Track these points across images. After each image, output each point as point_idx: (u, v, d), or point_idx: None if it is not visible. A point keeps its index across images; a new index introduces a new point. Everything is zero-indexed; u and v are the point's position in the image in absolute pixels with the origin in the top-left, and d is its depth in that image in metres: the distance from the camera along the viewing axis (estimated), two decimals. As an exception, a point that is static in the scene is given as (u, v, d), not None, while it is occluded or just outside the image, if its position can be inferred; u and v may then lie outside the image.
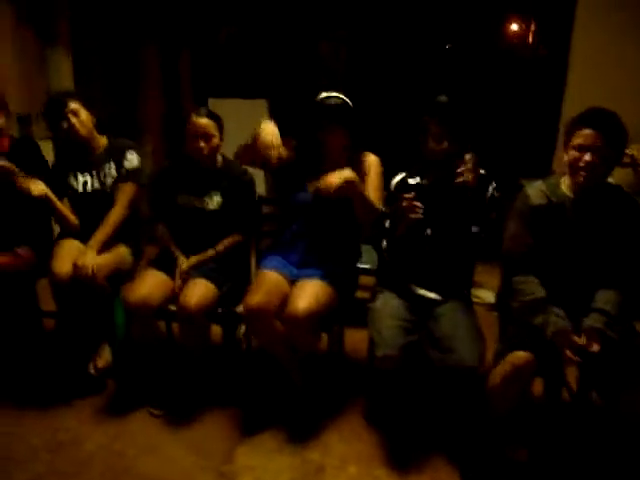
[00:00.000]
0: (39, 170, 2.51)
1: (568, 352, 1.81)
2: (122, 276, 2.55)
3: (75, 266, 2.34)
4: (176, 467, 2.09)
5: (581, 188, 1.93)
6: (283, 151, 2.24)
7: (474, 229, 2.13)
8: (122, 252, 2.56)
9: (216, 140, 2.42)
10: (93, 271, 2.32)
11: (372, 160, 2.35)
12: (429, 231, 2.17)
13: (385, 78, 5.98)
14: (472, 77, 5.78)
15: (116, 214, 2.50)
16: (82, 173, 2.57)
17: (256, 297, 2.16)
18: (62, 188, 2.56)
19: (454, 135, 2.10)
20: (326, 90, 2.31)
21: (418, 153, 2.19)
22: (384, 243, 2.23)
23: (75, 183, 2.57)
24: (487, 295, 3.28)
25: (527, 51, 6.26)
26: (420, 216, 2.04)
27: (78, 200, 2.58)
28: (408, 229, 2.11)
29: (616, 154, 1.89)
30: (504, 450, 2.09)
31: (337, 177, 2.04)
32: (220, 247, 2.45)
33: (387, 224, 2.20)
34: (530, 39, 6.36)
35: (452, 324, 2.07)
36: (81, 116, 2.49)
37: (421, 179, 2.21)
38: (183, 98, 6.11)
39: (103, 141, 2.61)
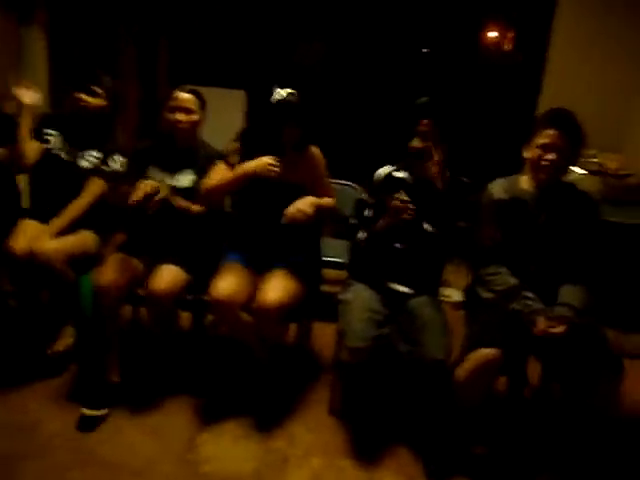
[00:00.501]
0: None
1: (535, 328, 1.87)
2: (89, 260, 2.50)
3: (31, 251, 2.30)
4: (138, 454, 2.06)
5: (542, 184, 2.02)
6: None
7: (426, 226, 2.17)
8: (86, 236, 2.51)
9: (195, 116, 2.40)
10: (48, 258, 2.29)
11: (317, 153, 2.37)
12: (398, 245, 2.21)
13: (362, 76, 6.01)
14: (449, 82, 5.84)
15: (81, 205, 2.49)
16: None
17: (222, 287, 2.14)
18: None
19: (439, 133, 2.13)
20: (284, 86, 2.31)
21: (404, 149, 2.20)
22: (361, 234, 2.24)
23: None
24: (454, 294, 3.32)
25: (504, 57, 6.35)
26: (410, 217, 2.06)
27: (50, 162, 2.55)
28: (391, 227, 2.13)
29: (574, 154, 2.00)
30: (467, 444, 2.12)
31: (308, 205, 2.15)
32: (183, 201, 2.38)
33: (367, 212, 2.22)
34: (507, 45, 6.45)
35: (422, 318, 2.10)
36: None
37: (408, 174, 2.22)
38: (159, 84, 6.04)
39: None
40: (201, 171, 2.42)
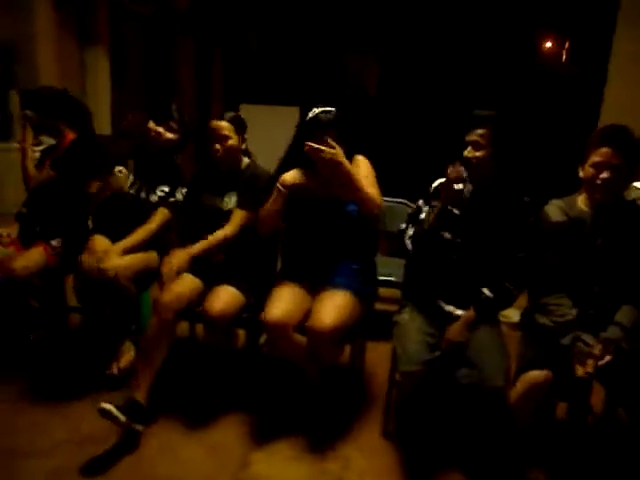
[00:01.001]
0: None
1: (578, 367, 1.83)
2: (151, 276, 2.59)
3: (98, 268, 2.40)
4: (194, 470, 2.10)
5: (598, 204, 1.96)
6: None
7: (521, 255, 2.10)
8: (149, 255, 2.61)
9: (231, 141, 2.45)
10: (116, 273, 2.38)
11: (361, 160, 2.36)
12: (459, 240, 2.14)
13: (416, 92, 5.98)
14: (507, 94, 5.75)
15: (147, 230, 2.59)
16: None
17: (275, 311, 2.16)
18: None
19: (496, 146, 2.07)
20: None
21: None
22: (410, 230, 2.20)
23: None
24: (513, 314, 3.23)
25: (561, 68, 6.22)
26: (461, 187, 2.01)
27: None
28: (438, 221, 2.08)
29: (632, 171, 1.93)
30: (523, 470, 2.06)
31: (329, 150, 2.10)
32: (209, 242, 2.43)
33: (421, 216, 2.19)
34: (564, 57, 6.32)
35: (479, 342, 2.05)
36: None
37: (463, 186, 2.14)
38: (214, 103, 6.19)
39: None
40: (242, 191, 2.47)
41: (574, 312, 1.93)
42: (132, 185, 2.65)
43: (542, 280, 2.03)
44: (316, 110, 2.31)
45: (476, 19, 5.72)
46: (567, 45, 6.33)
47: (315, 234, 2.36)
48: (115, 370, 2.54)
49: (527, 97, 5.84)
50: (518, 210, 2.13)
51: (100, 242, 2.56)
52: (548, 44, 6.41)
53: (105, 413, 2.09)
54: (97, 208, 2.72)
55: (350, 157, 2.33)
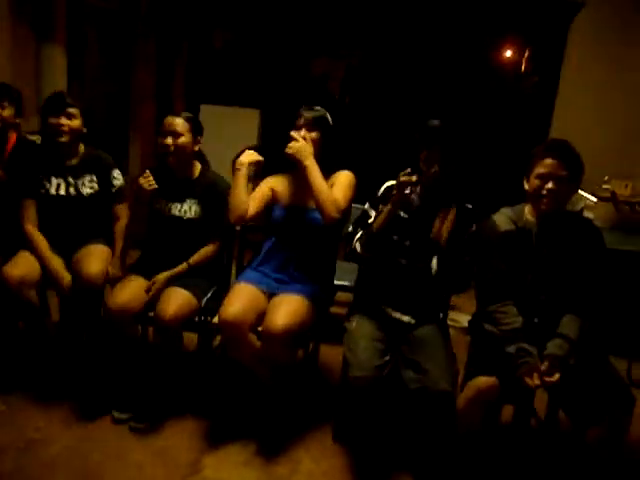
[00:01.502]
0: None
1: (527, 379, 1.88)
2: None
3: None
4: (142, 475, 2.08)
5: (543, 215, 2.02)
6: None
7: (467, 259, 2.15)
8: (102, 250, 2.56)
9: (184, 139, 2.39)
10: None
11: (344, 173, 2.38)
12: (407, 242, 2.18)
13: (381, 96, 6.03)
14: (463, 101, 5.84)
15: (123, 229, 2.58)
16: (56, 177, 2.54)
17: (231, 309, 2.15)
18: (33, 187, 2.54)
19: (445, 159, 2.11)
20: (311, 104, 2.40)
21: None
22: (358, 234, 2.20)
23: (48, 185, 2.54)
24: (463, 319, 3.31)
25: (519, 78, 6.34)
26: (413, 179, 2.01)
27: (49, 202, 2.54)
28: (387, 225, 2.09)
29: (575, 182, 2.00)
30: (469, 472, 2.10)
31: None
32: (194, 261, 2.43)
33: (369, 220, 2.20)
34: (523, 66, 6.45)
35: (426, 348, 2.09)
36: (73, 122, 2.49)
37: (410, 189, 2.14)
38: (175, 102, 6.12)
39: (81, 150, 2.60)
40: (204, 201, 2.45)
41: (520, 320, 1.97)
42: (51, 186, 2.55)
43: (488, 288, 2.07)
44: (306, 107, 2.37)
45: (441, 27, 5.81)
46: (527, 54, 6.47)
47: (280, 240, 2.39)
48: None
49: (483, 105, 5.96)
50: (461, 216, 2.17)
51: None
52: (508, 53, 6.53)
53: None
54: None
55: (333, 170, 2.37)
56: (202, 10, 5.94)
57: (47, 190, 2.53)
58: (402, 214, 2.15)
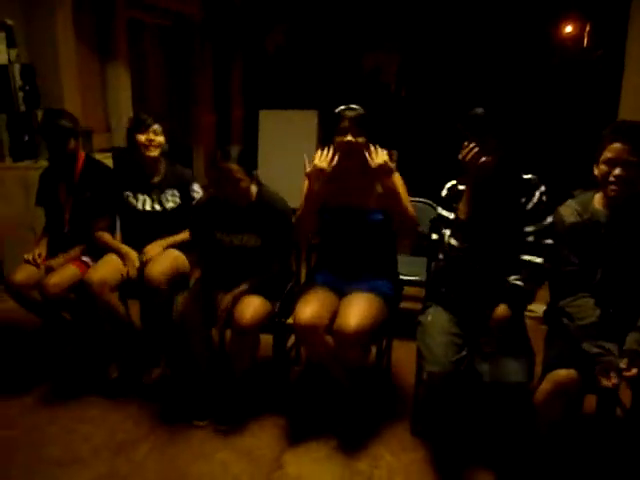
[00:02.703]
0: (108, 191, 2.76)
1: (604, 379, 1.82)
2: (183, 280, 2.68)
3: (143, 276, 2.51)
4: (228, 473, 2.16)
5: (613, 202, 1.93)
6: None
7: (529, 229, 2.06)
8: (179, 257, 2.68)
9: (244, 184, 2.36)
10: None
11: (396, 176, 2.36)
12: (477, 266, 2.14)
13: (437, 88, 5.94)
14: (525, 83, 5.68)
15: (183, 237, 2.72)
16: (142, 193, 2.73)
17: (307, 312, 2.20)
18: (119, 204, 2.74)
19: (492, 147, 2.04)
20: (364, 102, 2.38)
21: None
22: (447, 232, 2.15)
23: (134, 201, 2.73)
24: (538, 308, 3.22)
25: (582, 53, 6.11)
26: (484, 159, 2.00)
27: (136, 217, 2.73)
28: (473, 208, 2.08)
29: None
30: (550, 466, 2.06)
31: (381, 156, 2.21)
32: (254, 281, 2.42)
33: (451, 216, 2.16)
34: (585, 40, 6.21)
35: (503, 339, 2.06)
36: (157, 138, 2.65)
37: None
38: (234, 110, 6.26)
39: (162, 166, 2.76)
40: (264, 229, 2.44)
41: (596, 313, 1.91)
42: (137, 202, 2.73)
43: (560, 282, 2.01)
44: (341, 107, 2.34)
45: (493, 11, 5.67)
46: (588, 28, 6.22)
47: (341, 241, 2.41)
48: (147, 380, 2.64)
49: (547, 86, 5.76)
50: (522, 189, 2.08)
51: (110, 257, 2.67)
52: (568, 28, 6.31)
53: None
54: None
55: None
56: (254, 16, 6.04)
57: (134, 206, 2.72)
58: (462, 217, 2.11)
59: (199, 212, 2.58)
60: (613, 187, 1.88)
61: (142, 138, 2.63)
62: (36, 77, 3.95)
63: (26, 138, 3.86)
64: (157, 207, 2.72)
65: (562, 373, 1.87)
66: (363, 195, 2.36)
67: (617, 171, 1.86)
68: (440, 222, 2.21)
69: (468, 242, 2.11)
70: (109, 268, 2.59)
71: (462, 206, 2.09)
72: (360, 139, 2.28)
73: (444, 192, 2.24)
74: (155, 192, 2.73)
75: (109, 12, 4.65)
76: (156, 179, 2.74)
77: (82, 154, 2.83)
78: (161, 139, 2.68)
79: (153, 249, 2.62)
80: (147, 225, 2.73)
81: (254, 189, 2.48)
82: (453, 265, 2.20)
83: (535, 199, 2.06)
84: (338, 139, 2.30)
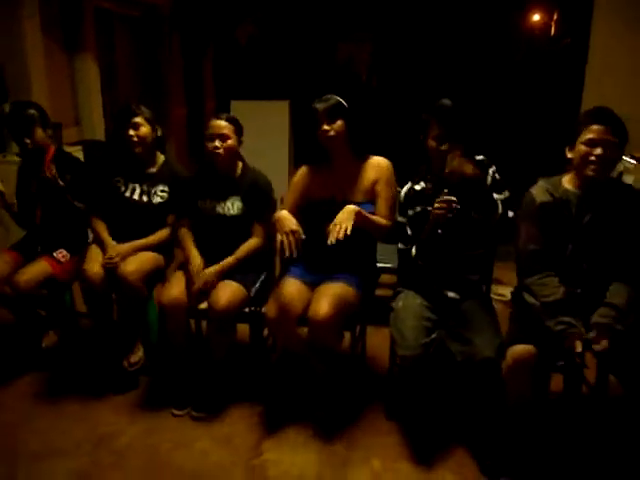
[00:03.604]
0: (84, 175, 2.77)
1: (577, 343, 1.88)
2: (155, 278, 2.68)
3: (117, 273, 2.50)
4: (208, 461, 2.20)
5: (589, 182, 2.01)
6: (298, 233, 2.28)
7: (474, 215, 2.17)
8: (156, 257, 2.68)
9: (231, 142, 2.49)
10: (126, 274, 2.48)
11: (382, 165, 2.42)
12: (439, 231, 2.21)
13: (408, 77, 5.99)
14: (493, 71, 5.76)
15: (161, 237, 2.70)
16: (132, 182, 2.71)
17: (277, 304, 2.25)
18: (108, 190, 2.72)
19: (455, 137, 2.14)
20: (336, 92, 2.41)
21: (422, 153, 2.26)
22: (413, 250, 2.26)
23: (123, 188, 2.71)
24: (506, 292, 3.32)
25: (550, 42, 6.20)
26: (457, 207, 2.07)
27: (122, 204, 2.71)
28: (432, 230, 2.17)
29: (620, 150, 1.98)
30: (522, 440, 2.13)
31: (345, 218, 2.16)
32: (240, 254, 2.51)
33: (409, 231, 2.28)
34: (553, 29, 6.30)
35: (471, 321, 2.15)
36: (141, 131, 2.63)
37: (425, 184, 2.27)
38: (207, 100, 6.22)
39: (160, 159, 2.76)
40: (247, 198, 2.53)
41: (561, 291, 1.98)
42: (126, 189, 2.71)
43: (527, 260, 2.09)
44: (321, 98, 2.38)
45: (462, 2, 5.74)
46: (555, 17, 6.31)
47: (323, 234, 2.43)
48: (126, 364, 2.63)
49: (514, 75, 5.86)
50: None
51: (97, 251, 2.65)
52: (536, 17, 6.38)
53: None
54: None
55: (364, 156, 2.42)
56: (224, 7, 6.00)
57: (122, 193, 2.70)
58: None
59: (185, 184, 2.64)
60: (593, 167, 1.95)
61: (124, 134, 2.63)
62: (3, 71, 3.89)
63: (-6, 132, 3.81)
64: (144, 198, 2.69)
65: (520, 348, 1.94)
66: (348, 187, 2.41)
67: (598, 150, 1.93)
68: (402, 233, 2.32)
69: (425, 261, 2.26)
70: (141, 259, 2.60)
71: (427, 229, 2.19)
72: (336, 125, 2.33)
73: (401, 196, 2.33)
74: (147, 183, 2.71)
75: (76, 2, 4.58)
76: (151, 170, 2.73)
77: (52, 147, 2.79)
78: (144, 131, 2.64)
79: (122, 248, 2.59)
80: (130, 214, 2.71)
81: (240, 164, 2.59)
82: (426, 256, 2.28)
83: (489, 177, 2.19)
84: (318, 131, 2.35)
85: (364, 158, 2.43)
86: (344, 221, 2.16)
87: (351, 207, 2.22)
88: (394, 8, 5.86)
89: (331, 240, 2.14)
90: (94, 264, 2.54)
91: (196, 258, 2.49)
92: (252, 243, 2.55)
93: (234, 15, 6.10)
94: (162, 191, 2.70)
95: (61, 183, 2.63)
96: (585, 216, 2.03)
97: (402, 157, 2.65)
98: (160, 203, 2.70)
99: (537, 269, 2.05)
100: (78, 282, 2.63)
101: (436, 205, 2.09)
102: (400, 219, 2.33)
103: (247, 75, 6.06)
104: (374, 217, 2.33)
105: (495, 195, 2.16)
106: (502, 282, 3.45)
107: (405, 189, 2.33)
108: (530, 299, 2.07)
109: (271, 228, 2.48)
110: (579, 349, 1.89)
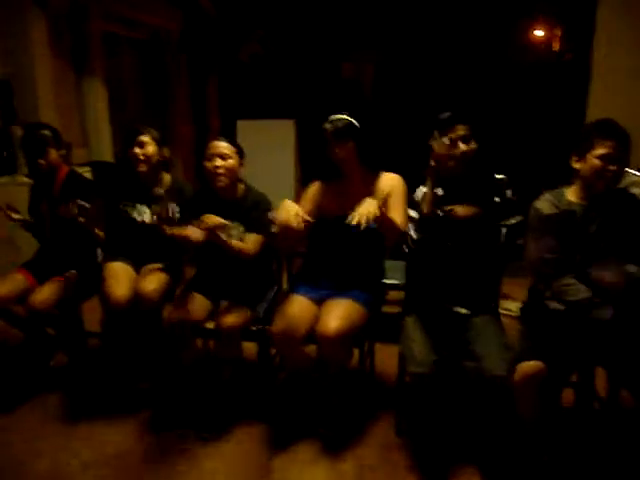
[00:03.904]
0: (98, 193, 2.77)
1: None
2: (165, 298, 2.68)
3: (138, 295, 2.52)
4: (218, 480, 2.19)
5: (596, 195, 2.02)
6: (304, 216, 2.18)
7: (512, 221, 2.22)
8: (168, 278, 2.68)
9: (232, 161, 2.47)
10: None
11: (394, 180, 2.42)
12: (449, 243, 2.22)
13: (413, 94, 6.02)
14: (495, 86, 5.78)
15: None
16: (140, 204, 2.72)
17: (283, 322, 2.26)
18: (115, 212, 2.73)
19: (462, 140, 2.18)
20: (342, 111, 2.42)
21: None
22: (412, 233, 2.24)
23: (132, 211, 2.72)
24: (514, 307, 3.30)
25: (552, 56, 6.23)
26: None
27: (132, 227, 2.72)
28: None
29: (626, 162, 2.01)
30: (532, 457, 2.11)
31: (367, 208, 2.06)
32: (234, 244, 2.39)
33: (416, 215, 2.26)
34: (556, 44, 6.33)
35: (481, 337, 2.13)
36: (147, 149, 2.65)
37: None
38: (212, 120, 6.27)
39: (167, 178, 2.77)
40: (249, 222, 2.48)
41: (588, 291, 1.99)
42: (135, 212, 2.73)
43: (546, 266, 2.08)
44: (332, 118, 2.38)
45: (464, 18, 5.78)
46: (559, 33, 6.35)
47: (332, 251, 2.44)
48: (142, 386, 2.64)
49: (518, 89, 5.88)
50: (494, 188, 2.22)
51: (122, 268, 2.67)
52: (539, 32, 6.42)
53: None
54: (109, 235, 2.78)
55: (375, 172, 2.42)
56: (229, 27, 6.08)
57: (130, 216, 2.71)
58: (440, 212, 2.19)
59: (187, 206, 2.60)
60: (606, 180, 1.97)
61: (130, 153, 2.65)
62: (12, 93, 3.95)
63: (4, 154, 3.86)
64: (155, 219, 2.63)
65: (529, 364, 1.93)
66: (348, 200, 2.34)
67: (614, 167, 1.95)
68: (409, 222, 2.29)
69: (427, 234, 2.20)
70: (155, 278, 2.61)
71: (426, 200, 2.17)
72: (346, 147, 2.35)
73: (418, 194, 2.30)
74: (154, 204, 2.64)
75: (85, 26, 4.66)
76: (159, 190, 2.69)
77: (65, 168, 2.81)
78: (149, 150, 2.66)
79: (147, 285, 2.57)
80: (141, 237, 2.70)
81: (241, 186, 2.57)
82: (417, 259, 2.29)
83: (501, 198, 2.21)
84: (330, 151, 2.36)
85: (376, 174, 2.43)
86: (368, 209, 2.06)
87: (372, 199, 2.13)
88: (398, 24, 5.92)
89: (356, 222, 2.01)
90: (118, 286, 2.54)
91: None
92: (244, 246, 2.44)
93: (238, 35, 6.18)
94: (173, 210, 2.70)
95: (81, 220, 2.58)
96: (591, 226, 2.03)
97: (410, 168, 2.64)
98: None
99: (557, 273, 2.05)
100: (101, 305, 2.63)
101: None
102: (412, 213, 2.27)
103: (252, 94, 6.12)
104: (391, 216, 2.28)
105: (503, 221, 2.19)
106: (510, 297, 3.44)
107: (423, 189, 2.27)
108: (554, 305, 2.07)
109: (274, 242, 2.46)
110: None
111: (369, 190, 2.38)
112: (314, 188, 2.53)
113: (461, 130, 2.17)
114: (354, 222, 2.02)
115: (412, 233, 2.23)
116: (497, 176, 2.25)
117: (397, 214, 2.30)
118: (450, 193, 2.19)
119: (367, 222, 2.02)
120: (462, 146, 2.17)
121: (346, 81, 6.31)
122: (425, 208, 2.17)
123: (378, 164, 2.45)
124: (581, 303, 1.98)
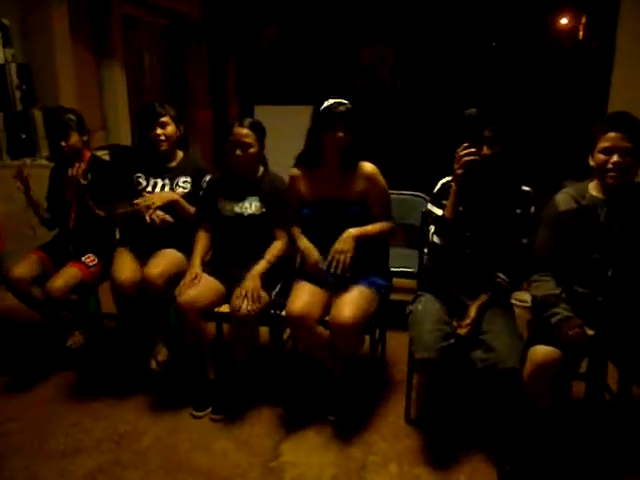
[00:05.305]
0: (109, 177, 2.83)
1: (571, 332, 1.89)
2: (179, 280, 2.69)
3: (144, 278, 2.54)
4: (226, 462, 2.22)
5: (612, 189, 1.98)
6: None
7: (524, 241, 2.20)
8: (180, 259, 2.70)
9: (253, 150, 2.50)
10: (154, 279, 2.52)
11: (370, 171, 2.43)
12: (467, 234, 2.21)
13: (433, 81, 5.96)
14: (519, 75, 5.71)
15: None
16: (154, 177, 2.76)
17: (298, 304, 2.27)
18: (129, 185, 2.77)
19: (486, 143, 2.12)
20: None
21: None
22: (437, 238, 2.22)
23: (144, 183, 2.75)
24: (528, 297, 3.27)
25: (577, 45, 6.13)
26: (476, 157, 2.07)
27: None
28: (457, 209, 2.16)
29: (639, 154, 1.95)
30: (542, 447, 2.11)
31: (345, 247, 2.29)
32: (271, 257, 2.51)
33: (439, 213, 2.24)
34: (581, 33, 6.23)
35: (492, 328, 2.12)
36: (167, 130, 2.69)
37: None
38: (230, 106, 6.28)
39: (179, 154, 2.82)
40: (266, 199, 2.55)
41: (558, 290, 2.01)
42: (148, 185, 2.75)
43: (534, 258, 2.10)
44: (330, 101, 2.39)
45: (488, 4, 5.70)
46: (583, 20, 6.24)
47: (321, 235, 2.44)
48: (154, 365, 2.66)
49: (542, 79, 5.80)
50: (518, 200, 2.19)
51: (127, 254, 2.70)
52: (564, 21, 6.32)
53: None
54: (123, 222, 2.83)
55: (353, 165, 2.43)
56: (248, 12, 6.06)
57: (143, 188, 2.74)
58: (460, 208, 2.18)
59: (209, 187, 2.66)
60: (612, 174, 1.94)
61: (151, 134, 2.68)
62: (32, 76, 3.99)
63: (23, 136, 3.91)
64: (167, 190, 2.73)
65: (543, 351, 1.91)
66: (342, 189, 2.42)
67: (615, 158, 1.91)
68: (428, 217, 2.29)
69: (450, 241, 2.19)
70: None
71: (449, 204, 2.16)
72: (349, 136, 2.35)
73: (437, 187, 2.30)
74: (168, 177, 2.75)
75: (105, 9, 4.68)
76: (172, 164, 2.78)
77: (87, 153, 2.86)
78: (169, 130, 2.70)
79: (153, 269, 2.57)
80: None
81: (260, 168, 2.62)
82: (438, 261, 2.28)
83: (530, 211, 2.19)
84: (328, 134, 2.35)
85: (352, 167, 2.44)
86: (344, 250, 2.28)
87: (348, 234, 2.31)
88: (418, 10, 5.85)
89: (337, 272, 2.26)
90: (124, 270, 2.58)
91: (195, 267, 2.52)
92: (279, 246, 2.55)
93: (258, 20, 6.16)
94: (184, 182, 2.73)
95: (83, 181, 2.67)
96: (615, 223, 1.99)
97: (426, 159, 2.63)
98: (182, 195, 2.71)
99: (540, 267, 2.08)
100: (110, 287, 2.66)
101: (462, 153, 2.08)
102: (433, 209, 2.28)
103: (270, 80, 6.11)
104: (370, 228, 2.39)
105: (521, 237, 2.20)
106: (524, 288, 3.41)
107: (443, 181, 2.29)
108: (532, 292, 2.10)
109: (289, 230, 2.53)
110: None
111: (347, 176, 2.42)
112: (297, 177, 2.53)
113: (486, 132, 2.13)
114: (331, 270, 2.22)
115: (436, 239, 2.21)
116: (524, 188, 2.22)
117: (376, 206, 2.41)
118: (471, 202, 2.18)
119: (345, 268, 2.23)
120: (486, 150, 2.12)
121: (364, 67, 6.27)
122: (447, 213, 2.17)
123: (359, 158, 2.44)
124: (544, 300, 2.01)
